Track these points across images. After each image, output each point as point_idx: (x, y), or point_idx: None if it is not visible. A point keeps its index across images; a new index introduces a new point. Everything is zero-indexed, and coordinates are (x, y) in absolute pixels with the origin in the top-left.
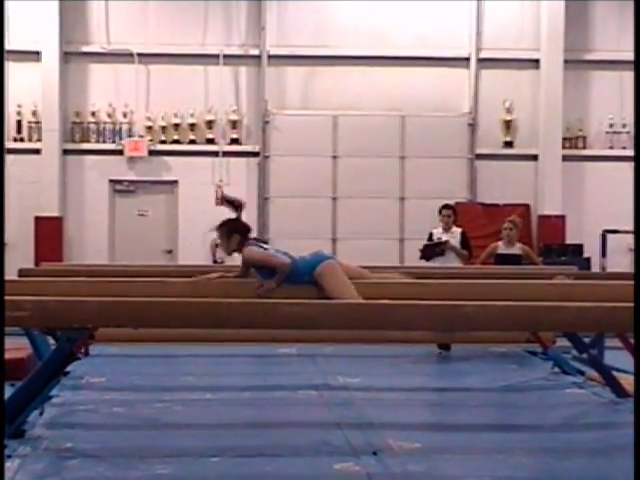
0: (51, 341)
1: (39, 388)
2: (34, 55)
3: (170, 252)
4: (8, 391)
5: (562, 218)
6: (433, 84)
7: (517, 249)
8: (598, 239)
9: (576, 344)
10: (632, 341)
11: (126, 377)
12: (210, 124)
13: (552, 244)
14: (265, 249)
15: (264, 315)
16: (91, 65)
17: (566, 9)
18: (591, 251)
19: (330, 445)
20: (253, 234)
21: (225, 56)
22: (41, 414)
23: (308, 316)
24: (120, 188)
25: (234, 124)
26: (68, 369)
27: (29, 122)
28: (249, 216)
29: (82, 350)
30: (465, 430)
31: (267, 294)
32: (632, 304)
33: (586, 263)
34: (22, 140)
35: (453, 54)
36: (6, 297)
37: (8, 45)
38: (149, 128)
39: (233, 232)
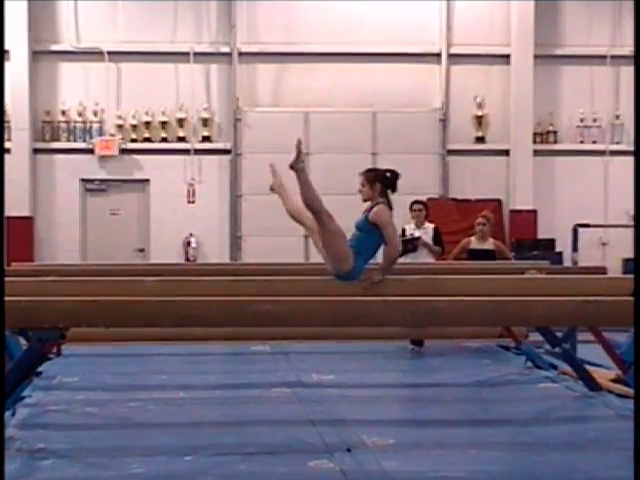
0: (23, 341)
1: (11, 389)
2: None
3: (142, 251)
4: None
5: (534, 213)
6: (404, 80)
7: (490, 244)
8: (569, 233)
9: (549, 338)
10: (604, 335)
11: (99, 377)
12: (181, 122)
13: (524, 239)
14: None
15: (234, 313)
16: (61, 64)
17: (536, 4)
18: (563, 245)
19: (304, 442)
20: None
21: (196, 54)
22: (13, 415)
23: (279, 314)
24: (91, 187)
25: (205, 122)
26: (40, 369)
27: None
28: (221, 214)
29: (54, 350)
30: (439, 425)
31: (372, 289)
32: (604, 298)
33: (558, 257)
34: None
35: (424, 50)
36: None
37: None
38: (120, 127)
39: (377, 181)
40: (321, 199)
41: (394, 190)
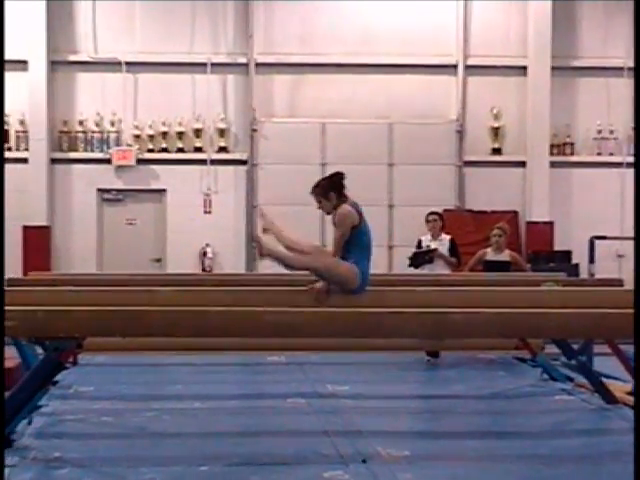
0: (39, 350)
1: (27, 398)
2: (21, 64)
3: (159, 261)
4: None
5: (550, 224)
6: (420, 91)
7: (505, 256)
8: (586, 245)
9: (565, 351)
10: (621, 347)
11: (114, 386)
12: (198, 132)
13: (540, 250)
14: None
15: (250, 323)
16: (78, 74)
17: (553, 16)
18: (579, 257)
19: (319, 453)
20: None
21: (213, 64)
22: (29, 423)
23: (295, 324)
24: (108, 197)
25: (222, 132)
26: (56, 378)
27: (17, 131)
28: (238, 224)
29: (70, 359)
30: (454, 437)
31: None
32: (620, 310)
33: (574, 269)
34: (10, 149)
35: (440, 61)
36: None
37: None
38: (137, 137)
39: (329, 191)
40: (306, 258)
41: (344, 188)
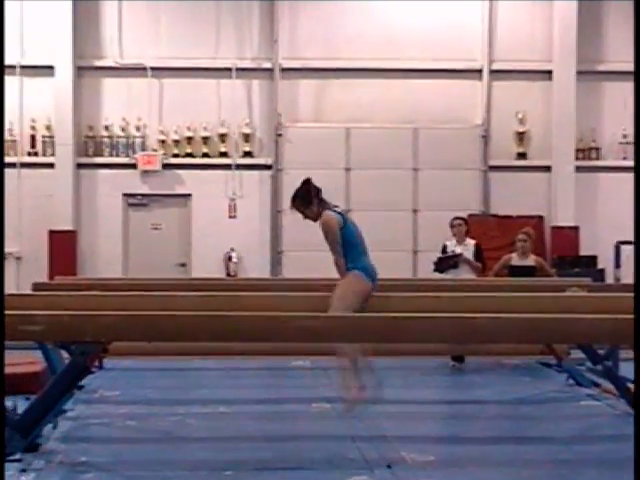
0: (65, 355)
1: (53, 402)
2: (48, 70)
3: (183, 265)
4: (23, 405)
5: (575, 229)
6: (445, 96)
7: (531, 261)
8: (612, 250)
9: (590, 356)
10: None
11: (140, 390)
12: (223, 137)
13: (565, 255)
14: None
15: (275, 328)
16: (104, 79)
17: (578, 20)
18: (605, 262)
19: (344, 458)
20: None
21: (238, 69)
22: (55, 428)
23: (320, 329)
24: (133, 202)
25: (247, 137)
26: (82, 383)
27: (43, 137)
28: (262, 229)
29: (96, 363)
30: (479, 442)
31: None
32: None
33: (600, 274)
34: (36, 154)
35: (465, 66)
36: (20, 311)
37: (22, 60)
38: (162, 142)
39: (308, 201)
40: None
41: (320, 192)
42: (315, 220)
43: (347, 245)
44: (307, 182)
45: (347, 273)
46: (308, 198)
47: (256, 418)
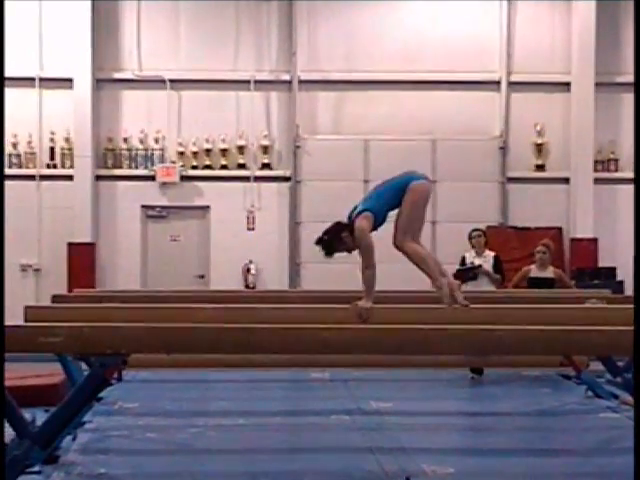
0: (84, 367)
1: (72, 413)
2: (67, 82)
3: (202, 277)
4: (42, 416)
5: (594, 241)
6: (464, 107)
7: (550, 273)
8: (631, 262)
9: (610, 368)
10: None
11: (159, 402)
12: (241, 149)
13: (585, 267)
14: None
15: (294, 340)
16: (123, 92)
17: (597, 32)
18: (624, 274)
19: (363, 470)
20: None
21: (256, 81)
22: (74, 439)
23: (338, 341)
24: (152, 214)
25: (265, 149)
26: (101, 394)
27: (62, 149)
28: (281, 241)
29: (115, 375)
30: (498, 455)
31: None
32: None
33: (619, 286)
34: (55, 167)
35: (484, 77)
36: (40, 323)
37: (41, 73)
38: (181, 154)
39: (340, 237)
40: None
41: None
42: (355, 249)
43: (387, 194)
44: (334, 226)
45: (408, 186)
46: (338, 235)
47: (275, 430)
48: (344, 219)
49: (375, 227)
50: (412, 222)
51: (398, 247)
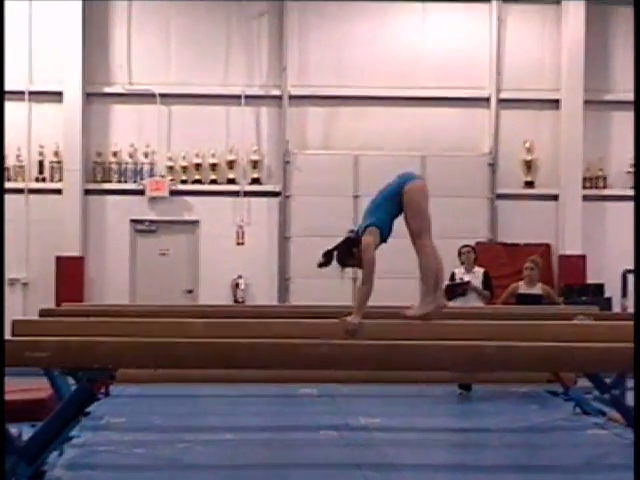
0: (71, 381)
1: (59, 429)
2: (56, 95)
3: (191, 292)
4: (28, 432)
5: (583, 258)
6: (453, 124)
7: (538, 289)
8: (619, 279)
9: (597, 384)
10: None
11: (146, 417)
12: (231, 164)
13: (573, 284)
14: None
15: (283, 355)
16: (113, 105)
17: (586, 49)
18: (612, 291)
19: None
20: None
21: (246, 96)
22: (61, 455)
23: (327, 356)
24: (141, 228)
25: (255, 164)
26: (88, 409)
27: (51, 162)
28: (270, 256)
29: (102, 390)
30: (486, 471)
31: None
32: None
33: (607, 303)
34: (44, 180)
35: (473, 94)
36: (27, 337)
37: (31, 86)
38: (170, 168)
39: (349, 251)
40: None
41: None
42: (359, 266)
43: (386, 202)
44: (345, 242)
45: (404, 188)
46: (346, 252)
47: (263, 445)
48: (333, 234)
49: (383, 239)
50: (419, 223)
51: (417, 252)
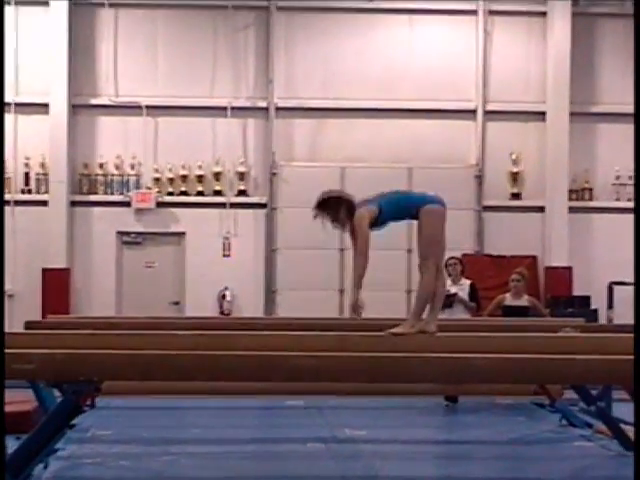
0: (57, 393)
1: (44, 441)
2: (42, 107)
3: (177, 304)
4: (13, 444)
5: (569, 269)
6: (440, 136)
7: (524, 301)
8: (605, 291)
9: (584, 396)
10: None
11: (132, 430)
12: (218, 176)
13: (559, 296)
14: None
15: (269, 368)
16: (99, 117)
17: (572, 62)
18: (598, 303)
19: None
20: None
21: (233, 108)
22: (46, 467)
23: (313, 369)
24: (128, 239)
25: (242, 176)
26: (74, 422)
27: (37, 174)
28: (257, 267)
29: (88, 402)
30: None
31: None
32: None
33: (593, 315)
34: (30, 192)
35: (460, 106)
36: (13, 350)
37: (17, 97)
38: (157, 180)
39: (338, 208)
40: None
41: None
42: (344, 228)
43: (401, 203)
44: (331, 196)
45: (423, 208)
46: (337, 206)
47: (249, 458)
48: (320, 246)
49: (376, 225)
50: (430, 246)
51: (419, 272)
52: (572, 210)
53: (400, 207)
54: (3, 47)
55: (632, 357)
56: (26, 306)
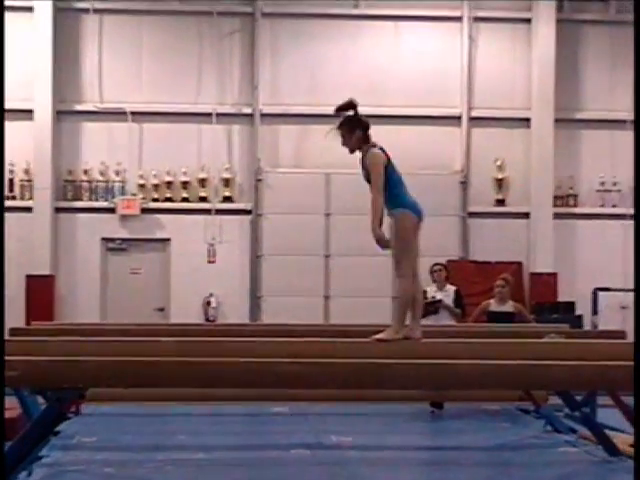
0: (41, 400)
1: (28, 448)
2: (27, 113)
3: (162, 310)
4: None
5: (554, 276)
6: (425, 142)
7: (509, 307)
8: (589, 297)
9: (568, 402)
10: (624, 399)
11: (118, 436)
12: (203, 182)
13: (544, 302)
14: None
15: (254, 374)
16: (84, 124)
17: (557, 69)
18: (583, 309)
19: None
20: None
21: (218, 115)
22: (29, 475)
23: (298, 375)
24: (112, 246)
25: (227, 182)
26: (59, 428)
27: (21, 180)
28: (242, 274)
29: (73, 409)
30: None
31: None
32: (623, 362)
33: (578, 321)
34: (14, 198)
35: (445, 113)
36: None
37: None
38: (142, 186)
39: (356, 127)
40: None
41: (369, 129)
42: (352, 151)
43: (393, 181)
44: (355, 108)
45: (394, 211)
46: (356, 124)
47: (235, 465)
48: (305, 252)
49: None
50: (403, 251)
51: (396, 275)
52: (557, 216)
53: (393, 180)
54: (3, 48)
55: (616, 363)
56: (10, 313)
